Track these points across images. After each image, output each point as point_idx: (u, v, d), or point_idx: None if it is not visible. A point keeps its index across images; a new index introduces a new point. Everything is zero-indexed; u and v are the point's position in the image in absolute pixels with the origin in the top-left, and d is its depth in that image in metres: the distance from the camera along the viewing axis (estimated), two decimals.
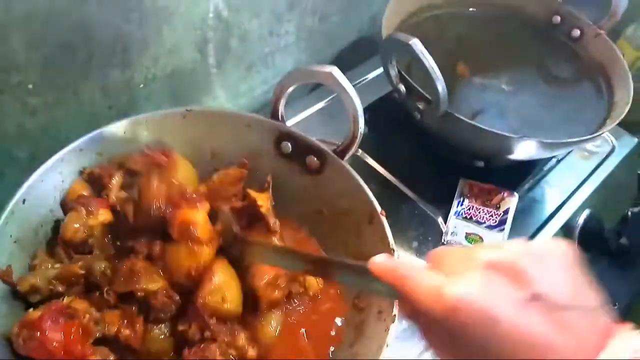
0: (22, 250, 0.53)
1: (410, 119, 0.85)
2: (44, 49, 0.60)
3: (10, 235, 0.52)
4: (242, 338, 0.54)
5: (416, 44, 0.70)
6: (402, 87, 0.82)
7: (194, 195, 0.54)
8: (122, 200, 0.56)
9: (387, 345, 0.51)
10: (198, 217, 0.53)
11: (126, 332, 0.50)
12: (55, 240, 0.56)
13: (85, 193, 0.58)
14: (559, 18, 1.03)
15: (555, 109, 0.95)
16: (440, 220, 0.82)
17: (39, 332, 0.45)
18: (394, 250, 0.57)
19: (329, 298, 0.62)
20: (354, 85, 0.60)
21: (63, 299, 0.50)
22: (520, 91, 0.96)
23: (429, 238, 0.80)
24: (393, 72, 0.81)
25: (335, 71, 0.59)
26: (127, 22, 0.66)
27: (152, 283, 0.51)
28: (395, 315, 0.52)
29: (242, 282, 0.56)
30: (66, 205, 0.58)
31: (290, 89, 0.64)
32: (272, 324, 0.57)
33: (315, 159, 0.65)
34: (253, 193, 0.61)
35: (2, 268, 0.50)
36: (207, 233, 0.53)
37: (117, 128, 0.62)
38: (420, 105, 0.80)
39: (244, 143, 0.67)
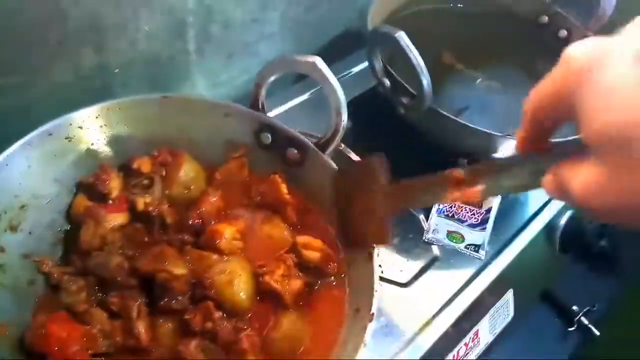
0: None
1: (395, 114, 0.83)
2: (15, 27, 0.57)
3: None
4: (245, 342, 0.52)
5: (402, 37, 0.69)
6: (386, 81, 0.80)
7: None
8: (156, 205, 0.59)
9: (364, 345, 0.50)
10: (227, 231, 0.58)
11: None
12: None
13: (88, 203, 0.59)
14: (546, 18, 1.02)
15: None
16: (422, 217, 0.80)
17: (47, 327, 0.49)
18: (373, 247, 0.55)
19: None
20: (338, 78, 0.59)
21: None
22: (507, 89, 0.95)
23: (410, 235, 0.78)
24: (378, 65, 0.79)
25: (319, 61, 0.58)
26: (102, 2, 0.63)
27: (178, 268, 0.53)
28: (373, 314, 0.51)
29: (258, 285, 0.56)
30: (74, 219, 0.59)
31: (272, 78, 0.62)
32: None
33: (296, 151, 0.64)
34: (277, 179, 0.62)
35: None
36: (230, 246, 0.58)
37: (89, 113, 0.60)
38: (405, 100, 0.78)
39: (223, 132, 0.65)
